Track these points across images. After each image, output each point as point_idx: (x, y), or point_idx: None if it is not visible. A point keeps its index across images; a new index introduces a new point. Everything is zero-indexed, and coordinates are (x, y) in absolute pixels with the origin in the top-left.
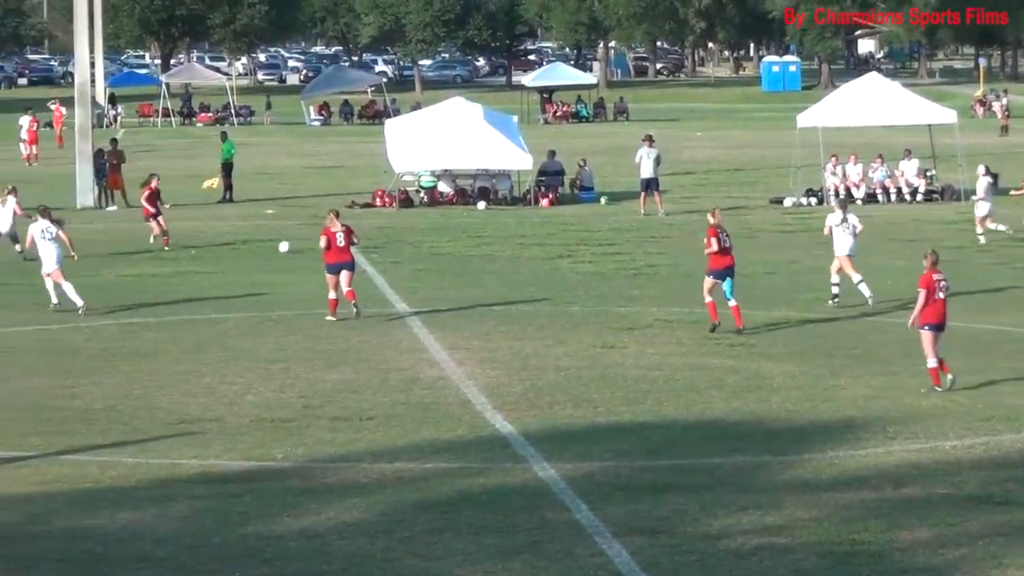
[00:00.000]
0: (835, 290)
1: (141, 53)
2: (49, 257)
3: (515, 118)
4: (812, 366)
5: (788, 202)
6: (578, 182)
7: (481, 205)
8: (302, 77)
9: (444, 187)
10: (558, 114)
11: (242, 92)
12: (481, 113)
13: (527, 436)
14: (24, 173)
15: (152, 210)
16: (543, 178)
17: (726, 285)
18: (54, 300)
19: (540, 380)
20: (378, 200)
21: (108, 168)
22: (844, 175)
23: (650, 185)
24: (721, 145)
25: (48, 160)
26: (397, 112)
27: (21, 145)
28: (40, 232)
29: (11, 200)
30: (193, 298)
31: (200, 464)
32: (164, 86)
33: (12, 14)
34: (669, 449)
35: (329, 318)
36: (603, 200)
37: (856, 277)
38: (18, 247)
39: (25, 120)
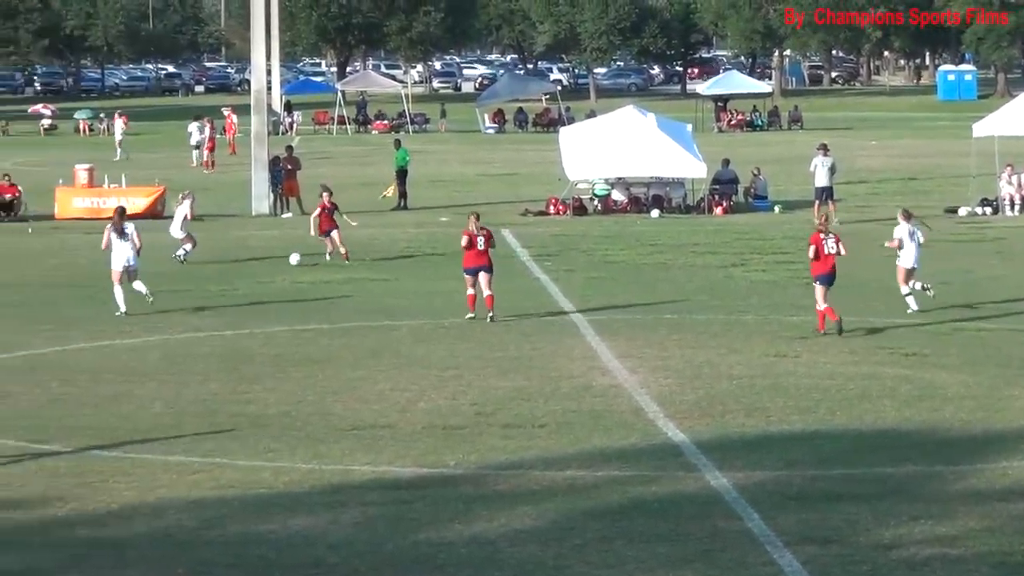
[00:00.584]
0: (910, 300)
1: (317, 60)
2: (120, 258)
3: (689, 126)
4: (986, 376)
5: (963, 211)
6: (752, 190)
7: (655, 213)
8: (477, 85)
9: (618, 195)
10: (732, 122)
11: (417, 100)
12: (655, 121)
13: (699, 444)
14: (199, 180)
15: (326, 227)
16: (717, 186)
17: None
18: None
19: (713, 389)
20: (552, 208)
21: (284, 175)
22: (1020, 184)
23: (824, 194)
24: (895, 154)
25: (223, 167)
26: (571, 120)
27: (193, 152)
28: (116, 235)
29: (185, 204)
30: (367, 305)
31: (373, 470)
32: (340, 94)
33: (190, 22)
34: (841, 458)
35: (469, 316)
36: (777, 209)
37: (905, 289)
38: (180, 252)
39: (194, 127)
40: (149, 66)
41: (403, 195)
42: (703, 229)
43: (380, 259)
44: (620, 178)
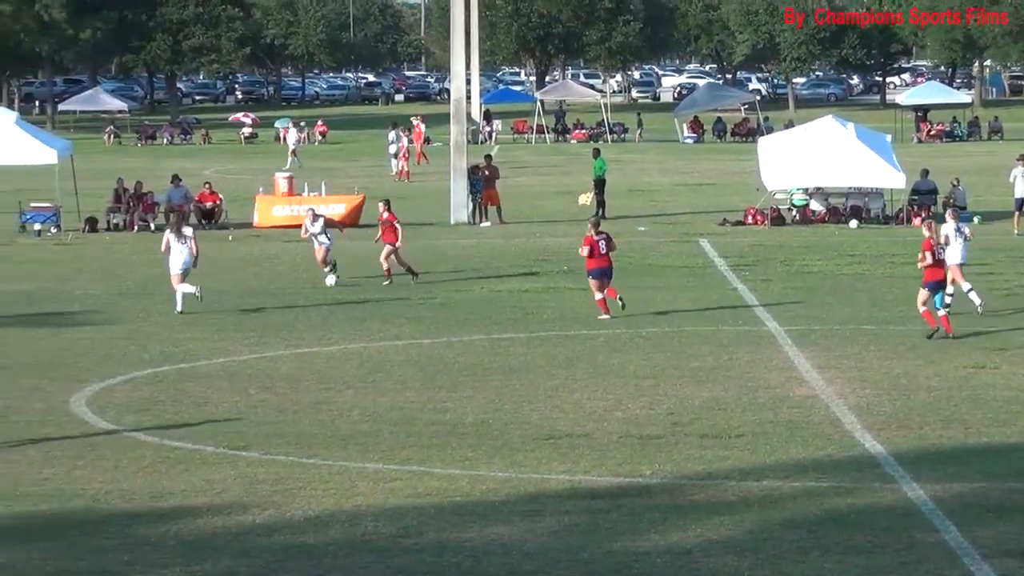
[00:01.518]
0: (947, 299)
1: (516, 70)
2: (177, 261)
3: (888, 137)
4: None
5: None
6: (951, 201)
7: (853, 224)
8: (675, 95)
9: (816, 205)
10: (932, 133)
11: (616, 109)
12: (854, 131)
13: (896, 456)
14: (396, 189)
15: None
16: (916, 197)
17: (936, 297)
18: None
19: (910, 400)
20: (749, 218)
21: (483, 184)
22: None
23: None
24: None
25: (420, 176)
26: (770, 130)
27: (392, 161)
28: (175, 238)
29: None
30: (564, 314)
31: (569, 479)
32: (539, 103)
33: (390, 31)
34: None
35: (603, 317)
36: (976, 219)
37: (966, 286)
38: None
39: (392, 135)
40: (349, 75)
41: (601, 204)
42: (902, 240)
43: (578, 268)
44: (818, 188)
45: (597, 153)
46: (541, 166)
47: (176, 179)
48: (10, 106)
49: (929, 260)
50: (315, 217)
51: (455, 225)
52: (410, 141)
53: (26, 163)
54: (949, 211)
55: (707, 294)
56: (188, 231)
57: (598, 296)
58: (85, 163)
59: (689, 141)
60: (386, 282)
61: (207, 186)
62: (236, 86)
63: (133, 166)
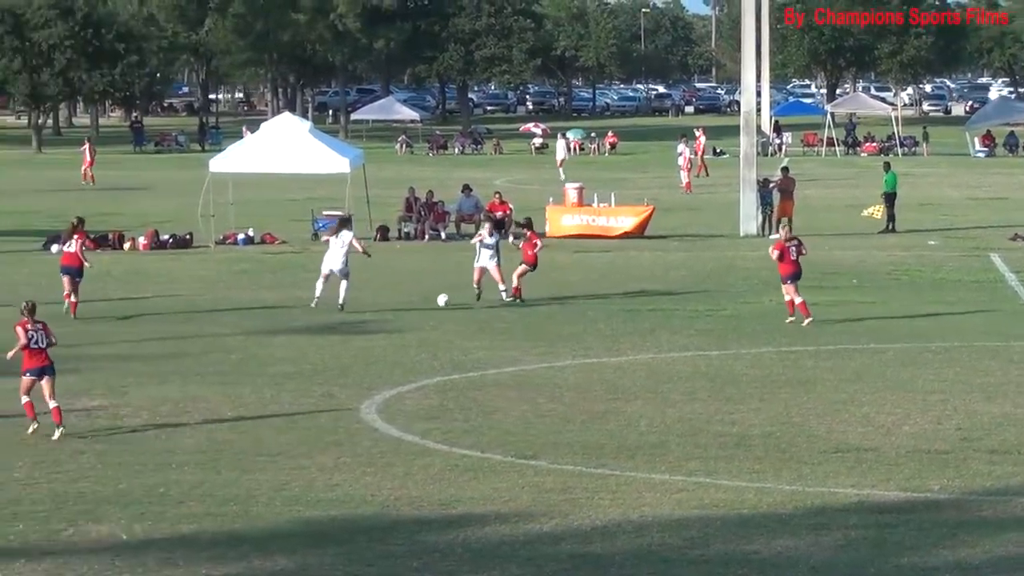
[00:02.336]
0: None
1: (807, 82)
2: (331, 261)
3: None
4: None
5: None
6: None
7: None
8: (967, 108)
9: None
10: None
11: (907, 123)
12: None
13: None
14: (682, 201)
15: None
16: None
17: None
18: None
19: None
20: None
21: (780, 195)
22: None
23: None
24: None
25: (704, 187)
26: None
27: (681, 173)
28: (338, 242)
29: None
30: (853, 328)
31: (856, 493)
32: (829, 115)
33: (681, 43)
34: None
35: (790, 319)
36: None
37: None
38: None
39: (681, 147)
40: (639, 86)
41: (891, 218)
42: None
43: (867, 280)
44: None
45: (888, 167)
46: (830, 179)
47: (467, 189)
48: (304, 115)
49: None
50: (493, 229)
51: (744, 237)
52: (692, 152)
53: (319, 172)
54: None
55: (997, 308)
56: (347, 236)
57: (798, 299)
58: (377, 172)
59: (981, 155)
60: (512, 299)
61: (497, 196)
62: (527, 96)
63: (424, 175)
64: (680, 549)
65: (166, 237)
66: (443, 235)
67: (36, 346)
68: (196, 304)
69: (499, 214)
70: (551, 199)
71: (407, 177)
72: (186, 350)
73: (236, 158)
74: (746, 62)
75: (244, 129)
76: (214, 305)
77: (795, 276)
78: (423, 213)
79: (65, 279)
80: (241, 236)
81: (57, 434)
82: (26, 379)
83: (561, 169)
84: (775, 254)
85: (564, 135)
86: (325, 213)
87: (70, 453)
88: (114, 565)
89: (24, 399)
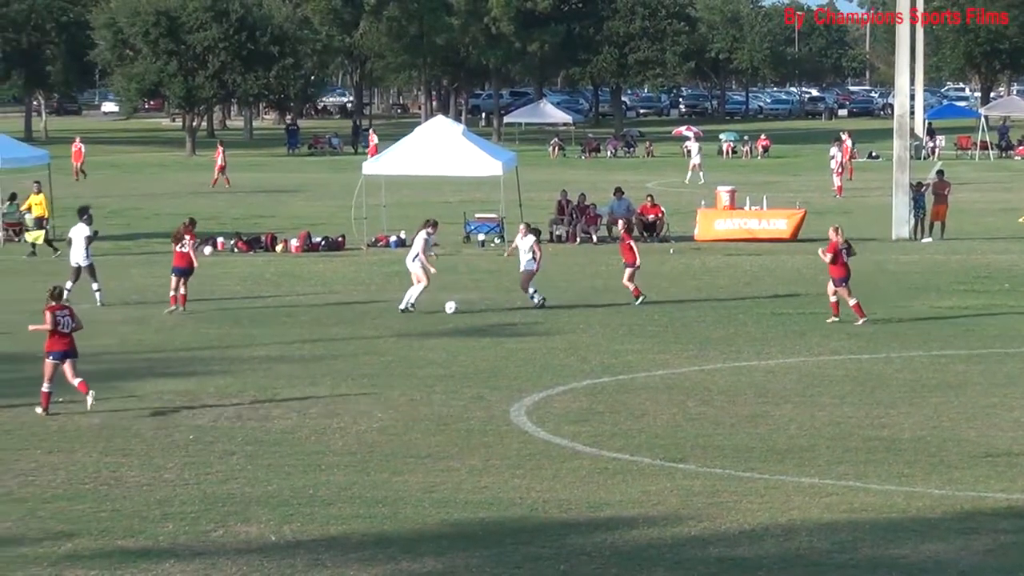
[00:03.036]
0: None
1: (961, 85)
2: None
3: None
4: None
5: None
6: None
7: None
8: None
9: None
10: None
11: None
12: None
13: None
14: (834, 204)
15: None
16: None
17: None
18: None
19: None
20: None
21: (935, 199)
22: None
23: None
24: None
25: (854, 191)
26: None
27: (833, 176)
28: (423, 242)
29: (421, 235)
30: (1006, 332)
31: (1007, 498)
32: (983, 119)
33: (835, 46)
34: None
35: (833, 319)
36: None
37: None
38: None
39: (834, 150)
40: (793, 89)
41: None
42: None
43: (1021, 285)
44: None
45: None
46: (984, 182)
47: (619, 192)
48: (457, 118)
49: None
50: (527, 231)
51: (896, 241)
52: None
53: (472, 175)
54: None
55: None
56: (530, 240)
57: (852, 301)
58: (529, 175)
59: None
60: (638, 302)
61: (649, 199)
62: (680, 99)
63: (577, 178)
64: (828, 553)
65: (318, 239)
66: (595, 238)
67: (63, 331)
68: (347, 306)
69: (651, 217)
70: (703, 202)
71: (559, 180)
72: (337, 352)
73: (390, 161)
74: (900, 65)
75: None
76: (365, 307)
77: (847, 279)
78: (575, 216)
79: (176, 279)
80: (393, 238)
81: (90, 400)
82: (49, 363)
83: (692, 172)
84: (828, 257)
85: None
86: (477, 216)
87: (220, 455)
88: (263, 566)
89: (46, 387)
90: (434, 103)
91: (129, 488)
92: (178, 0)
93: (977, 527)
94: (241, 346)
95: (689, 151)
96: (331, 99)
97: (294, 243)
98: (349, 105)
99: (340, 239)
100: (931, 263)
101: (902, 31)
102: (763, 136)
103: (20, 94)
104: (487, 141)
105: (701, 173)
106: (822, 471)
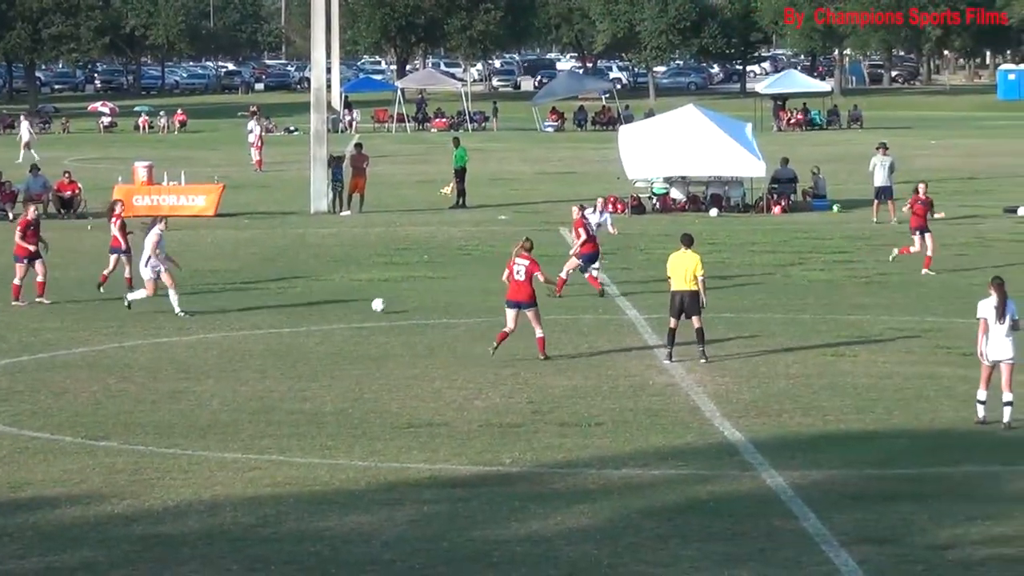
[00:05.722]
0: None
1: (377, 59)
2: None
3: (749, 126)
4: None
5: (1022, 211)
6: (811, 190)
7: (713, 212)
8: (536, 83)
9: (676, 194)
10: (791, 121)
11: (477, 98)
12: (714, 120)
13: (755, 443)
14: (253, 179)
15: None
16: (776, 185)
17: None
18: None
19: (769, 388)
20: (610, 206)
21: (353, 172)
22: None
23: (883, 193)
24: (955, 153)
25: (275, 164)
26: (630, 119)
27: (252, 151)
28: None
29: (155, 230)
30: (424, 303)
31: (429, 468)
32: (399, 92)
33: (250, 20)
34: (898, 458)
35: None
36: (835, 208)
37: None
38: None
39: (251, 124)
40: (209, 64)
41: (462, 193)
42: (761, 228)
43: (438, 256)
44: (679, 177)
45: (457, 142)
46: (401, 155)
47: (35, 168)
48: None
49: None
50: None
51: (315, 214)
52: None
53: None
54: None
55: (572, 281)
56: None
57: (586, 276)
58: None
59: (549, 130)
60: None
61: (66, 175)
62: (95, 75)
63: None
64: (252, 528)
65: None
66: (11, 215)
67: None
68: None
69: (68, 193)
70: (120, 178)
71: None
72: None
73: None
74: (316, 39)
75: None
76: None
77: (594, 255)
78: None
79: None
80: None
81: None
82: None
83: (25, 151)
84: (582, 233)
85: (141, 112)
86: None
87: None
88: None
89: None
90: None
91: None
92: None
93: (401, 498)
94: None
95: (104, 124)
96: None
97: None
98: None
99: None
100: (350, 236)
101: (317, 4)
102: (180, 111)
103: None
104: None
105: (26, 151)
106: (245, 445)
